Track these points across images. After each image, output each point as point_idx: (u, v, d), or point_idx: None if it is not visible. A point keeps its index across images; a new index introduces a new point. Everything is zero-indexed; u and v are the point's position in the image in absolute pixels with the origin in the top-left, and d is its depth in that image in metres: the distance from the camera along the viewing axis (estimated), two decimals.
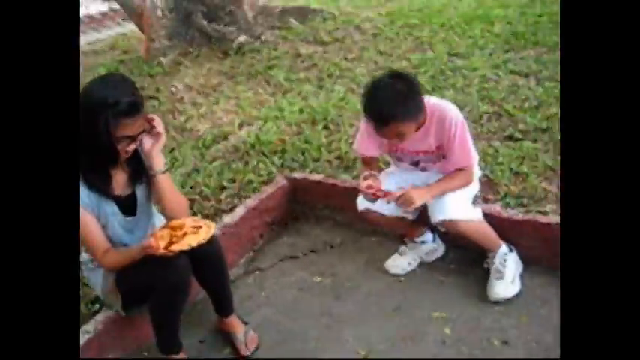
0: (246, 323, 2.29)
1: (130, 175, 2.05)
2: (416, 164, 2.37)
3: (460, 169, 2.25)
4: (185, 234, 1.88)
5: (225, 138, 3.60)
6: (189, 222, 1.97)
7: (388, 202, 2.22)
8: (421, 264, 2.54)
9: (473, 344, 2.07)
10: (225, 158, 3.33)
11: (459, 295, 2.33)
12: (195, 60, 5.22)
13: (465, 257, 2.51)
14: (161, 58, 5.17)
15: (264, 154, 3.30)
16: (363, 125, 2.31)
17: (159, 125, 2.01)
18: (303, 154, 3.23)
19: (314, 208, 3.01)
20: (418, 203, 2.16)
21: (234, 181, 3.04)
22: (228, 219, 2.67)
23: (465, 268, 2.48)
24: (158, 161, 2.01)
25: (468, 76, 3.98)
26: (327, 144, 3.30)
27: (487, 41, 4.67)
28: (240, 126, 3.76)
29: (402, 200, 2.15)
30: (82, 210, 1.90)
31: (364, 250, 2.72)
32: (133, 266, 1.94)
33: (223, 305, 2.25)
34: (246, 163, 3.23)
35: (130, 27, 7.43)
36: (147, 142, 2.00)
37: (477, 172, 2.40)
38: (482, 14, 5.47)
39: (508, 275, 2.27)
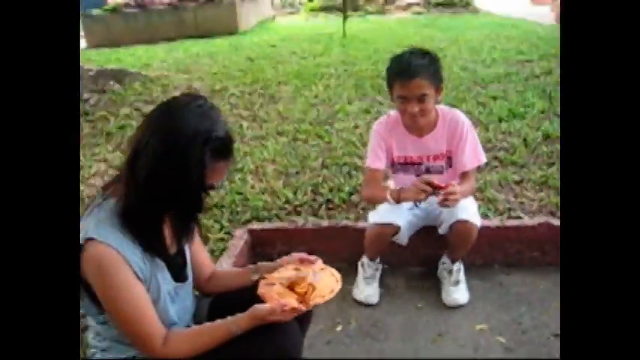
0: None
1: (178, 227, 1.54)
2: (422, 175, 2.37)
3: (465, 179, 2.31)
4: (311, 285, 1.46)
5: None
6: (291, 270, 1.55)
7: (416, 205, 2.26)
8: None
9: (540, 344, 2.10)
10: None
11: (479, 304, 2.36)
12: None
13: (406, 272, 2.61)
14: None
15: None
16: (372, 134, 2.36)
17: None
18: (236, 204, 2.90)
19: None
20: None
21: None
22: None
23: (421, 280, 2.56)
24: None
25: None
26: (261, 191, 3.04)
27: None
28: None
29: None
30: (133, 281, 1.34)
31: None
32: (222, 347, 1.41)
33: None
34: None
35: None
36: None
37: None
38: None
39: (463, 283, 2.41)
